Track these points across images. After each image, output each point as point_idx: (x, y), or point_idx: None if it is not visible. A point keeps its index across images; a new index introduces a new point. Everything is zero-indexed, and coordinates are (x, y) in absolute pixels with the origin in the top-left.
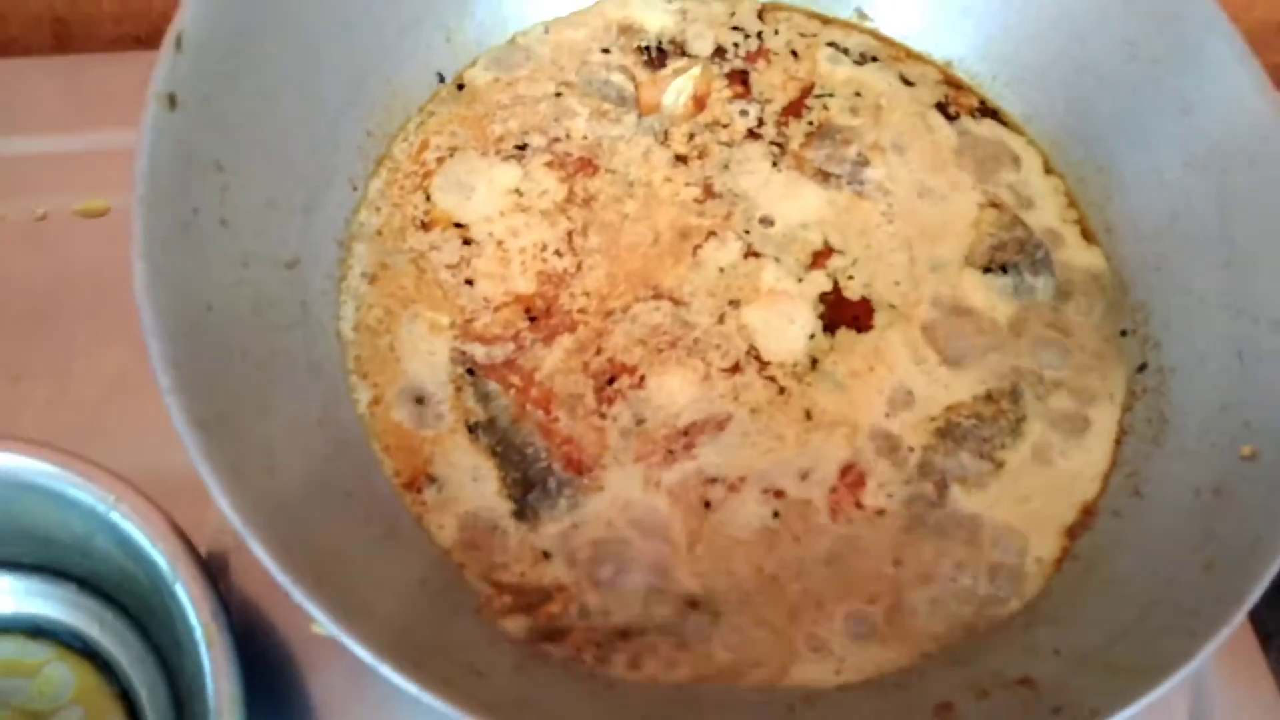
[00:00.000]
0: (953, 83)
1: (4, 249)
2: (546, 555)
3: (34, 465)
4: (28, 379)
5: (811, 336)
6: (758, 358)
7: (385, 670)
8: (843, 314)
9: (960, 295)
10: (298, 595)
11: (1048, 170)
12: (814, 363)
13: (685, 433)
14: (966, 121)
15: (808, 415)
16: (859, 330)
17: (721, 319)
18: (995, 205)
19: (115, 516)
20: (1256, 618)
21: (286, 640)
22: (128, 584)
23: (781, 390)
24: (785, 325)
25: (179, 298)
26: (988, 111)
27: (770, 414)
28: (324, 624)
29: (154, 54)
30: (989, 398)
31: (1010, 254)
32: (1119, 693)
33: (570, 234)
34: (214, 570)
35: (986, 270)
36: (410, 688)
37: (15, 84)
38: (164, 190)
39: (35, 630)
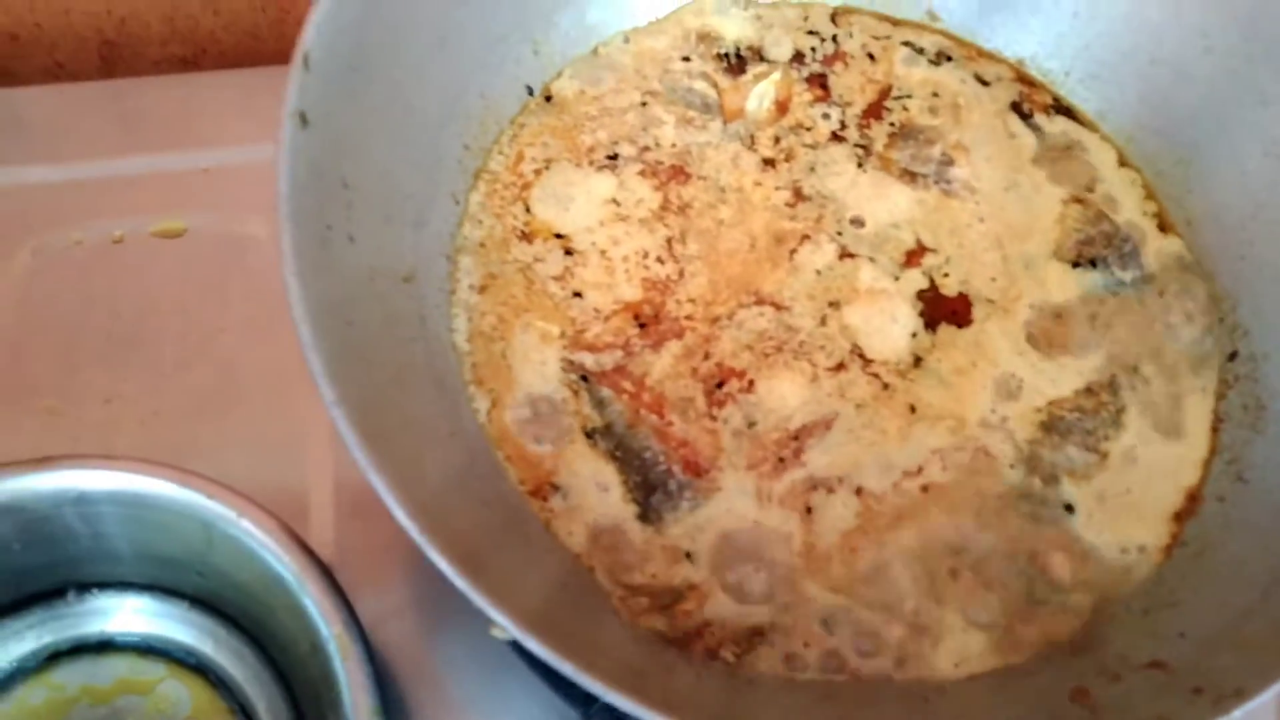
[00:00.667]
0: (1026, 80)
1: (85, 272)
2: (675, 555)
3: (156, 484)
4: (119, 400)
5: (914, 335)
6: (861, 356)
7: (570, 670)
8: (941, 310)
9: (1053, 290)
10: (472, 595)
11: (1123, 165)
12: (917, 360)
13: (795, 436)
14: (1040, 119)
15: (911, 409)
16: (959, 325)
17: (824, 321)
18: (1079, 201)
19: (238, 531)
20: None
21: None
22: (244, 600)
23: (886, 386)
24: (887, 324)
25: (327, 314)
26: (1061, 109)
27: (875, 409)
28: (495, 617)
29: (206, 75)
30: (1089, 391)
31: (1098, 248)
32: (1259, 671)
33: (670, 241)
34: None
35: (1076, 265)
36: (593, 685)
37: (80, 110)
38: (303, 208)
39: (148, 649)
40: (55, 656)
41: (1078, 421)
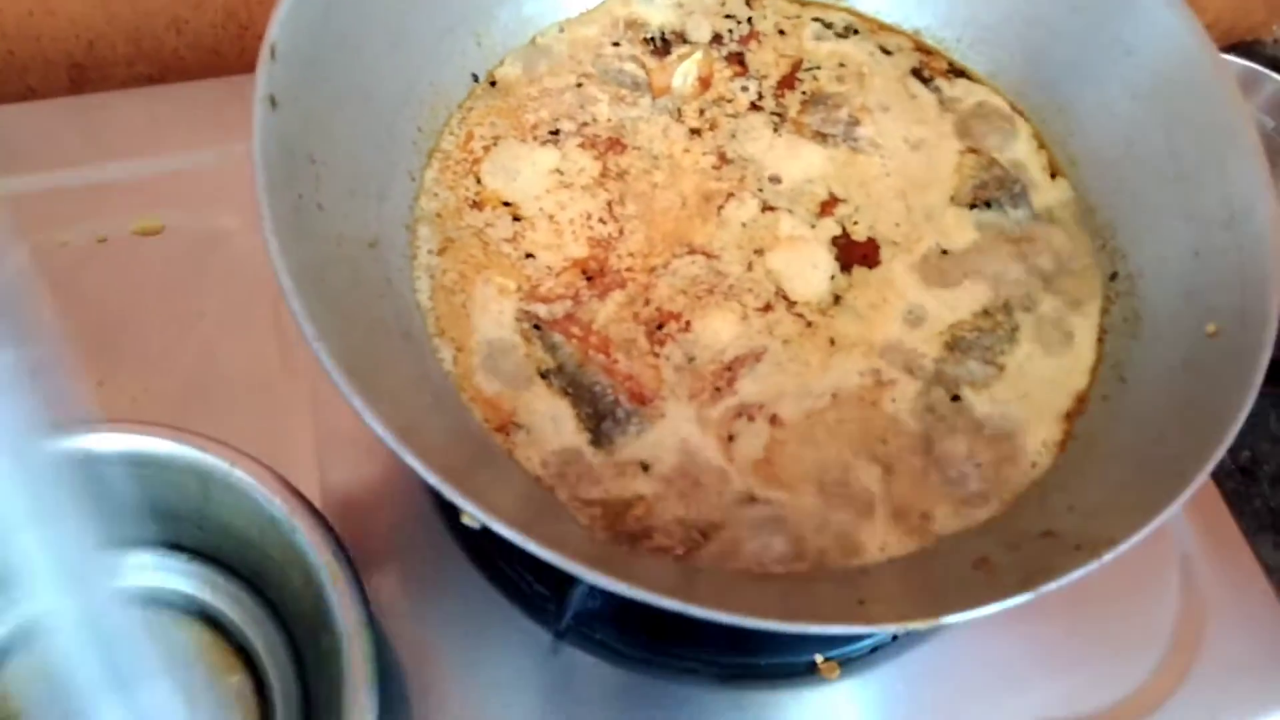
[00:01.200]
0: (923, 49)
1: (73, 270)
2: (623, 471)
3: (155, 442)
4: (111, 382)
5: (832, 277)
6: (786, 298)
7: (537, 548)
8: (854, 254)
9: (952, 231)
10: (447, 491)
11: (1014, 114)
12: (836, 299)
13: (729, 368)
14: (940, 82)
15: (831, 342)
16: (869, 266)
17: (750, 267)
18: (974, 151)
19: (233, 480)
20: None
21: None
22: (240, 547)
23: (809, 324)
24: (808, 269)
25: (302, 272)
26: (957, 72)
27: (799, 344)
28: (467, 509)
29: (170, 87)
30: (985, 313)
31: (991, 191)
32: (1129, 526)
33: (610, 204)
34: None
35: (972, 207)
36: (561, 562)
37: (56, 125)
38: (276, 179)
39: (152, 600)
40: None
41: (977, 339)
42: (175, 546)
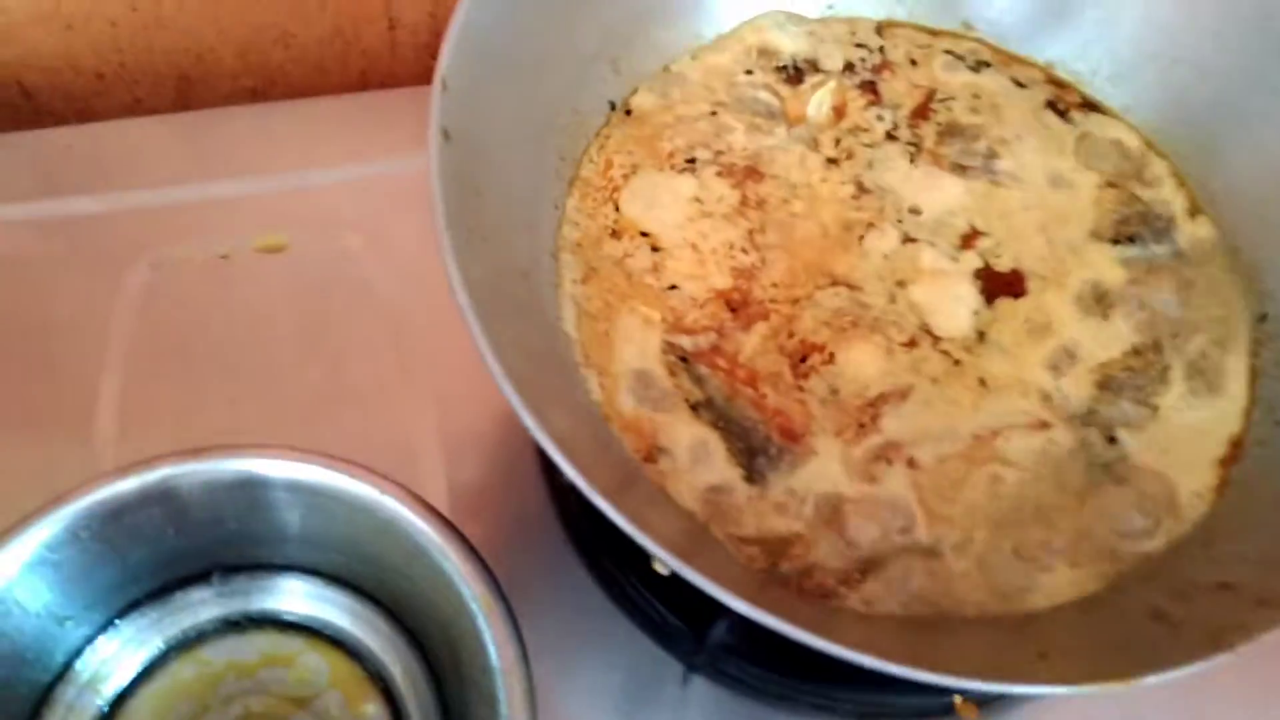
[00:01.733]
0: (1056, 82)
1: (197, 286)
2: (781, 509)
3: (301, 469)
4: (242, 400)
5: (976, 312)
6: (930, 333)
7: (709, 586)
8: (998, 284)
9: (1096, 265)
10: (623, 524)
11: (1151, 152)
12: (981, 336)
13: (873, 404)
14: (1075, 115)
15: (982, 383)
16: (1015, 296)
17: (893, 299)
18: (1112, 185)
19: (383, 506)
20: None
21: None
22: (380, 574)
23: (957, 362)
24: (951, 302)
25: (478, 298)
26: (1091, 106)
27: (947, 383)
28: (640, 539)
29: (274, 105)
30: (1136, 352)
31: (1134, 226)
32: None
33: (751, 233)
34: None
35: (1115, 242)
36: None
37: (172, 141)
38: (452, 211)
39: (289, 624)
40: (202, 635)
41: (1129, 379)
42: (312, 571)
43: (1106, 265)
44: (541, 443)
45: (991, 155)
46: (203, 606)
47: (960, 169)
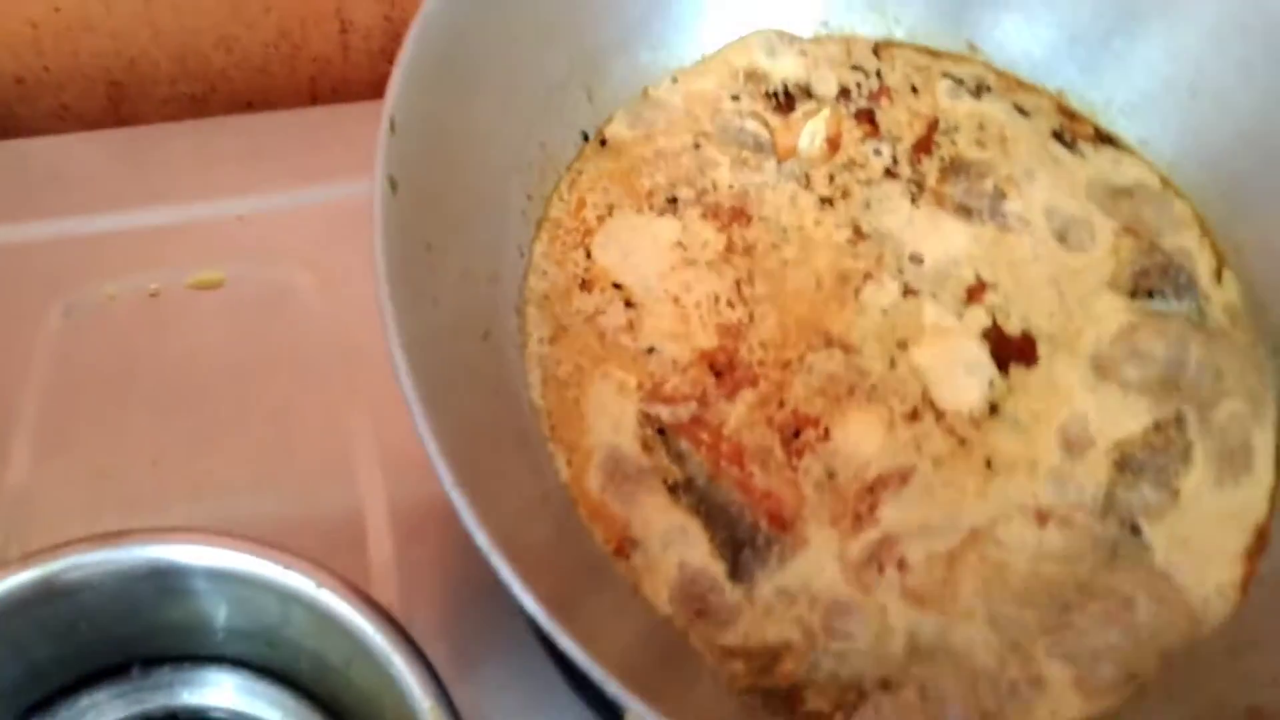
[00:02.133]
0: (1066, 111)
1: (122, 328)
2: (769, 614)
3: (234, 556)
4: (166, 461)
5: (991, 383)
6: (934, 406)
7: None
8: (1008, 349)
9: (1111, 323)
10: (573, 651)
11: (1170, 193)
12: (993, 409)
13: (871, 489)
14: (1085, 147)
15: (988, 464)
16: (1026, 364)
17: (893, 363)
18: (1130, 232)
19: (319, 600)
20: None
21: None
22: (319, 671)
23: (961, 441)
24: (959, 371)
25: (423, 377)
26: (1104, 138)
27: (952, 466)
28: (588, 668)
29: (217, 120)
30: (1157, 428)
31: (1153, 280)
32: None
33: (738, 283)
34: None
35: (1133, 295)
36: None
37: (97, 159)
38: (396, 275)
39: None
40: None
41: (1150, 459)
42: (241, 663)
43: (1123, 323)
44: (475, 539)
45: (999, 196)
46: (120, 702)
47: (965, 211)
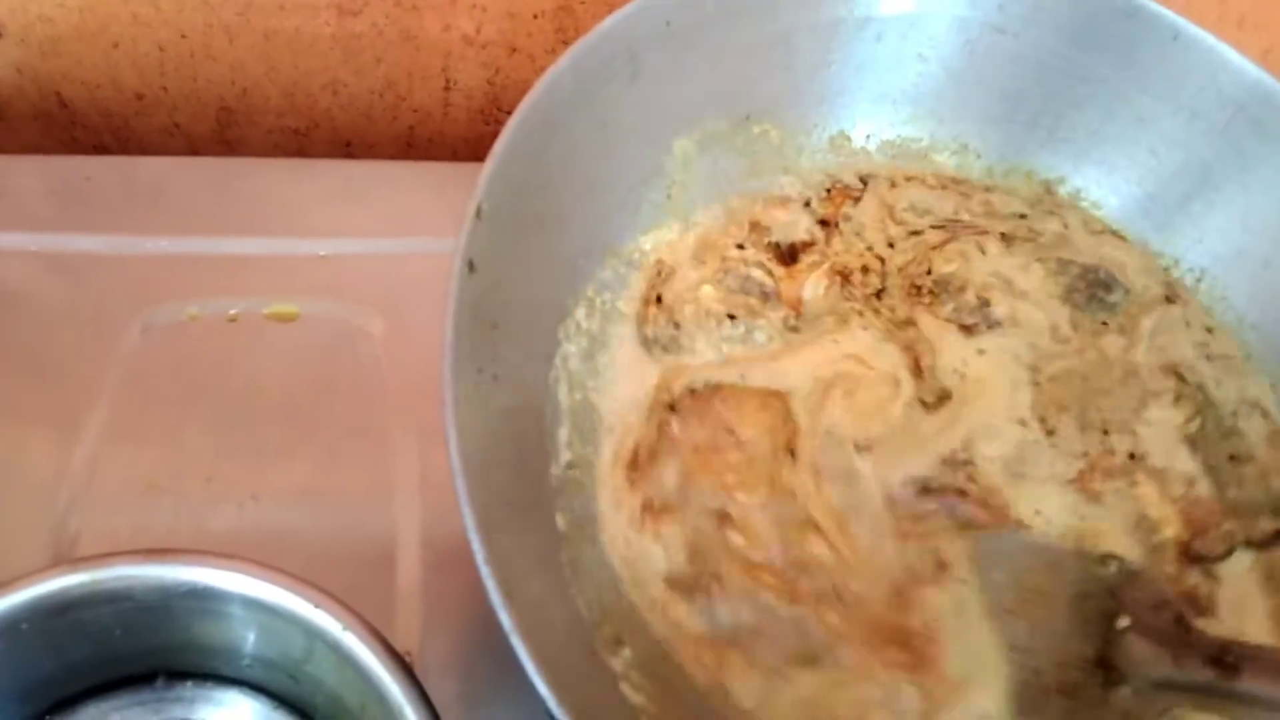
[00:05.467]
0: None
1: (198, 348)
2: None
3: (269, 588)
4: (220, 480)
5: None
6: None
7: None
8: None
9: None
10: None
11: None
12: None
13: None
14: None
15: None
16: None
17: None
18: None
19: (343, 643)
20: None
21: None
22: (335, 709)
23: None
24: None
25: (476, 462)
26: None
27: None
28: None
29: (316, 163)
30: None
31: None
32: None
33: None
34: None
35: None
36: None
37: (197, 184)
38: (462, 352)
39: None
40: None
41: None
42: (260, 689)
43: None
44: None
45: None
46: (140, 710)
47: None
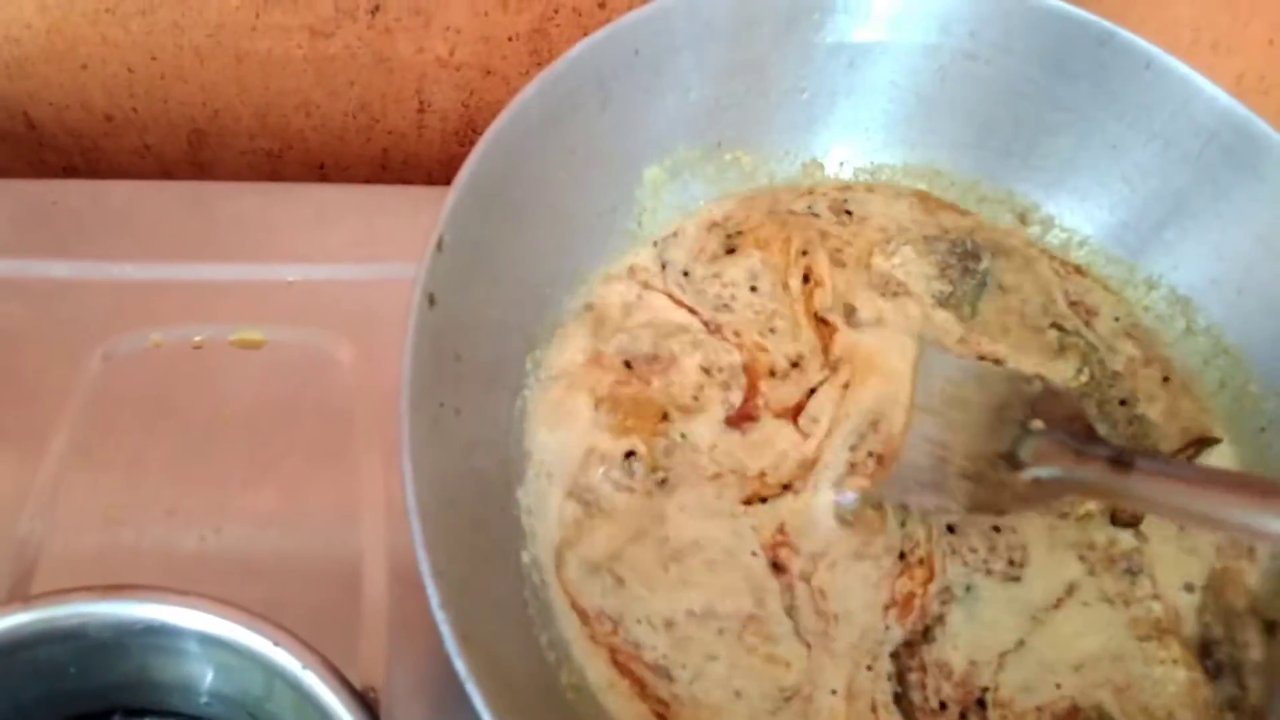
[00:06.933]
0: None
1: (161, 376)
2: None
3: (227, 625)
4: (182, 513)
5: None
6: None
7: None
8: None
9: None
10: None
11: None
12: None
13: None
14: None
15: None
16: None
17: None
18: None
19: (304, 679)
20: None
21: None
22: None
23: None
24: None
25: (435, 500)
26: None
27: None
28: None
29: (288, 187)
30: None
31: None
32: None
33: None
34: None
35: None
36: None
37: (164, 208)
38: (420, 386)
39: None
40: None
41: None
42: None
43: None
44: (456, 665)
45: None
46: None
47: None
